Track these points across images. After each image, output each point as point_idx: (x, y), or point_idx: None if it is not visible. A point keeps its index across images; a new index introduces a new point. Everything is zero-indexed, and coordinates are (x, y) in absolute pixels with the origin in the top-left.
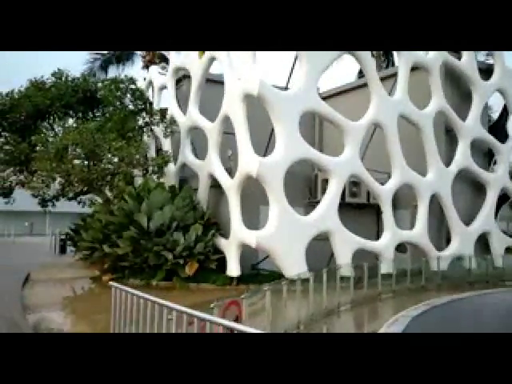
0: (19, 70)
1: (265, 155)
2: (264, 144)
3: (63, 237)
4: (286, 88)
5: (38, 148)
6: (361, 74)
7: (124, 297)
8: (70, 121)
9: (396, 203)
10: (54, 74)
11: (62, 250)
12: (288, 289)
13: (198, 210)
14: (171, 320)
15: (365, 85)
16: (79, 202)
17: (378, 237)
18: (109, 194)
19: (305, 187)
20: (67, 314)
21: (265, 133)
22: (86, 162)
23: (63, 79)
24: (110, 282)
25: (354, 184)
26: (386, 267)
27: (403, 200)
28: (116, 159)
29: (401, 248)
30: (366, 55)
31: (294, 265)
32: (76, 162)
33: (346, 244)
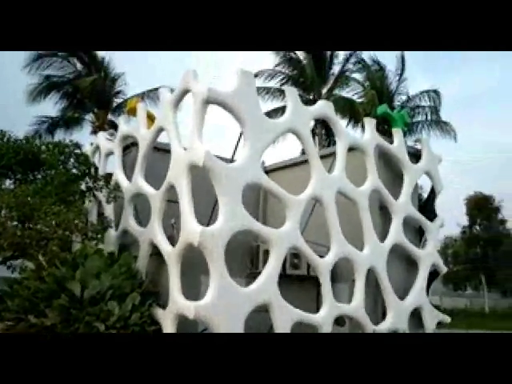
0: None
1: (209, 224)
2: (207, 213)
3: None
4: (232, 160)
5: None
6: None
7: None
8: (7, 182)
9: (335, 276)
10: None
11: None
12: None
13: (136, 278)
14: None
15: (307, 161)
16: (9, 267)
17: (317, 309)
18: (42, 259)
19: (247, 258)
20: None
21: (209, 202)
22: (19, 225)
23: (5, 139)
24: None
25: (295, 256)
26: None
27: (342, 273)
28: (53, 222)
29: (339, 321)
30: (308, 134)
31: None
32: (9, 224)
33: (284, 316)
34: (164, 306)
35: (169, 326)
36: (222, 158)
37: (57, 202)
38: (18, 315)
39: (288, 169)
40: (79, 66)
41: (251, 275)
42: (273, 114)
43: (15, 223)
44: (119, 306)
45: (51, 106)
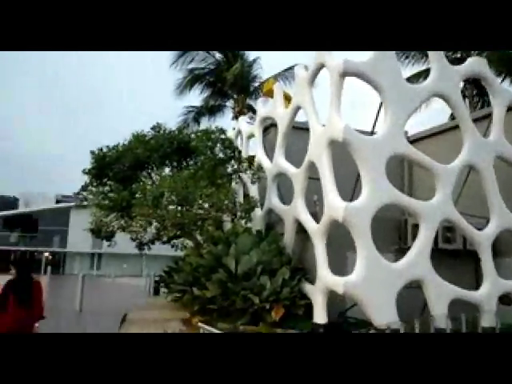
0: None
1: (351, 200)
2: (350, 189)
3: (157, 279)
4: (372, 133)
5: (137, 195)
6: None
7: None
8: (166, 170)
9: (498, 250)
10: (153, 128)
11: (156, 292)
12: None
13: (284, 254)
14: None
15: (456, 126)
16: (172, 246)
17: (477, 286)
18: (199, 238)
19: (394, 233)
20: None
21: (351, 178)
22: (179, 208)
23: (161, 132)
24: (199, 324)
25: (448, 229)
26: (487, 320)
27: (507, 247)
28: (206, 205)
29: (504, 299)
30: (457, 97)
31: (382, 313)
32: (170, 207)
33: (440, 293)
34: (312, 282)
35: (319, 301)
36: (361, 132)
37: (208, 185)
38: (183, 287)
39: (434, 137)
40: (218, 56)
41: (400, 250)
42: (414, 79)
43: (175, 206)
44: (270, 281)
45: (196, 97)
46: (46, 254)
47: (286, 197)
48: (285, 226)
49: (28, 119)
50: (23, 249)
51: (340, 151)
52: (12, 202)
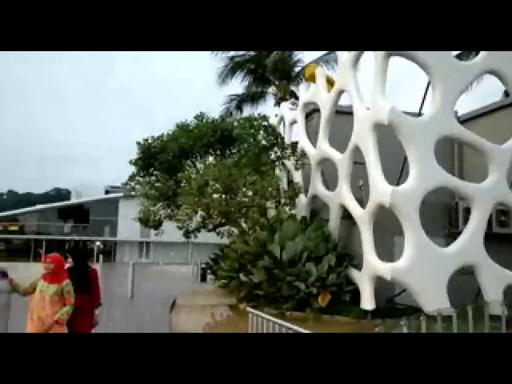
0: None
1: (398, 184)
2: (397, 173)
3: (203, 266)
4: (420, 114)
5: (182, 184)
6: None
7: (260, 323)
8: (210, 158)
9: None
10: (196, 117)
11: (203, 279)
12: (428, 325)
13: (329, 240)
14: None
15: (511, 104)
16: (218, 234)
17: None
18: (244, 225)
19: (444, 217)
20: None
21: (397, 161)
22: (223, 196)
23: (204, 121)
24: (248, 309)
25: (503, 213)
26: None
27: None
28: (250, 192)
29: None
30: (510, 73)
31: (433, 300)
32: (215, 196)
33: (494, 279)
34: (359, 268)
35: (366, 287)
36: (408, 113)
37: (251, 172)
38: (229, 274)
39: (487, 116)
40: None
41: (450, 235)
42: (463, 56)
43: (220, 194)
44: (316, 267)
45: (237, 85)
46: (98, 243)
47: (330, 182)
48: (330, 212)
49: (78, 112)
50: (76, 238)
51: (385, 134)
52: (65, 194)
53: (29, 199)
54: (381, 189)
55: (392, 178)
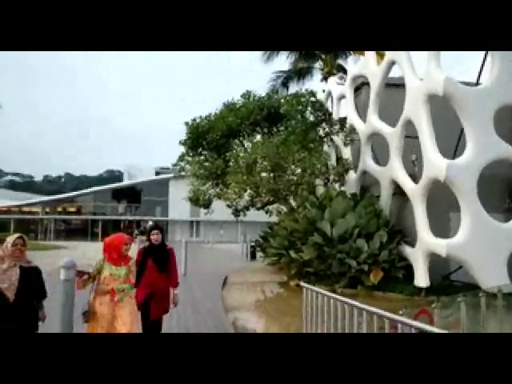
0: (215, 94)
1: (454, 158)
2: (452, 146)
3: (253, 244)
4: (477, 84)
5: (230, 163)
6: None
7: (315, 297)
8: (258, 137)
9: None
10: (242, 95)
11: (253, 256)
12: (487, 303)
13: (381, 217)
14: (361, 323)
15: None
16: (266, 212)
17: None
18: (293, 203)
19: (503, 191)
20: (261, 315)
21: (452, 134)
22: (271, 174)
23: (251, 99)
24: (301, 283)
25: None
26: None
27: None
28: (299, 170)
29: None
30: None
31: (491, 276)
32: (263, 174)
33: None
34: (412, 244)
35: (420, 264)
36: (464, 83)
37: (300, 149)
38: (279, 251)
39: None
40: None
41: (510, 210)
42: None
43: (268, 172)
44: (367, 244)
45: (283, 61)
46: (150, 223)
47: (381, 158)
48: (381, 188)
49: (129, 96)
50: (130, 218)
51: (440, 106)
52: (118, 176)
53: (84, 181)
54: (435, 162)
55: (448, 152)
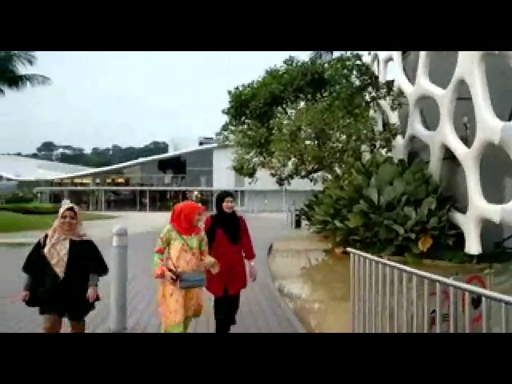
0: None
1: (509, 120)
2: (507, 108)
3: (298, 212)
4: None
5: (274, 131)
6: None
7: (362, 263)
8: (301, 103)
9: None
10: (285, 62)
11: (297, 225)
12: None
13: (430, 183)
14: (411, 289)
15: None
16: (311, 180)
17: None
18: (338, 170)
19: None
20: (306, 281)
21: (508, 95)
22: (316, 142)
23: (294, 65)
24: (349, 249)
25: None
26: None
27: None
28: (344, 136)
29: None
30: None
31: None
32: (307, 141)
33: None
34: (463, 211)
35: (471, 231)
36: None
37: (345, 115)
38: (324, 219)
39: None
40: None
41: None
42: None
43: (313, 139)
44: (415, 211)
45: None
46: (196, 193)
47: (430, 122)
48: (430, 153)
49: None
50: (176, 189)
51: (495, 66)
52: (163, 147)
53: (131, 153)
54: (490, 124)
55: (503, 113)
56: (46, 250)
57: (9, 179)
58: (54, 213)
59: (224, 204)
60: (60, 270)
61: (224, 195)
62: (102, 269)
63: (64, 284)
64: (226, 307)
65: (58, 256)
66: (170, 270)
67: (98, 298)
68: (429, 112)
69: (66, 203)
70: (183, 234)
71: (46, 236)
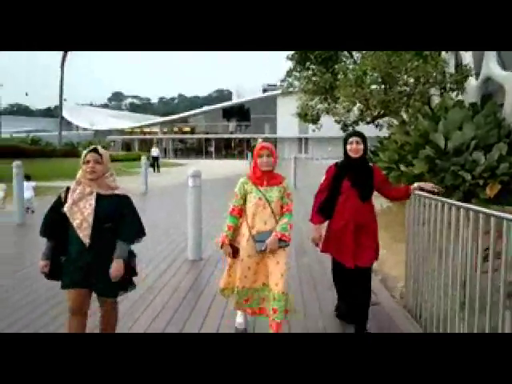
0: None
1: None
2: None
3: None
4: None
5: (339, 76)
6: None
7: (428, 204)
8: None
9: None
10: None
11: None
12: None
13: (503, 127)
14: (467, 227)
15: None
16: (376, 126)
17: None
18: (405, 115)
19: None
20: None
21: None
22: (382, 86)
23: None
24: (416, 192)
25: None
26: None
27: None
28: (412, 80)
29: None
30: None
31: None
32: (373, 86)
33: None
34: None
35: None
36: None
37: (413, 57)
38: (389, 165)
39: None
40: None
41: None
42: None
43: (379, 84)
44: (485, 157)
45: None
46: (260, 141)
47: (508, 61)
48: (505, 95)
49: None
50: (240, 136)
51: None
52: (227, 95)
53: (196, 101)
54: None
55: None
56: (65, 209)
57: (85, 129)
58: (127, 160)
59: (347, 147)
60: (84, 235)
61: (347, 136)
62: (136, 233)
63: (90, 252)
64: (356, 286)
65: (81, 216)
66: (232, 246)
67: (126, 276)
68: (508, 52)
69: (154, 151)
70: (260, 185)
71: (68, 189)
